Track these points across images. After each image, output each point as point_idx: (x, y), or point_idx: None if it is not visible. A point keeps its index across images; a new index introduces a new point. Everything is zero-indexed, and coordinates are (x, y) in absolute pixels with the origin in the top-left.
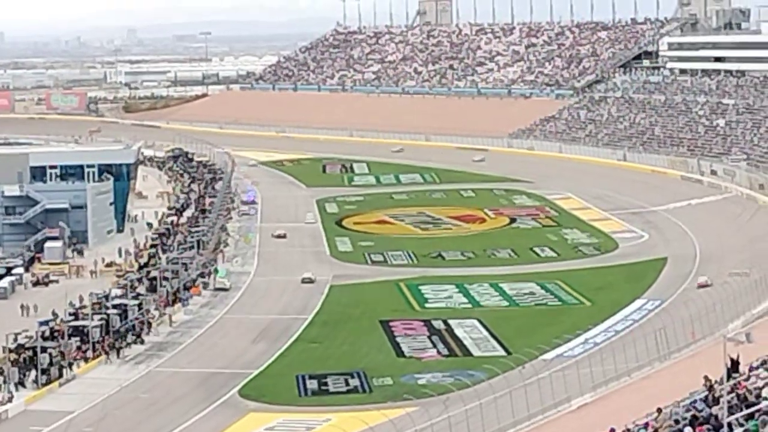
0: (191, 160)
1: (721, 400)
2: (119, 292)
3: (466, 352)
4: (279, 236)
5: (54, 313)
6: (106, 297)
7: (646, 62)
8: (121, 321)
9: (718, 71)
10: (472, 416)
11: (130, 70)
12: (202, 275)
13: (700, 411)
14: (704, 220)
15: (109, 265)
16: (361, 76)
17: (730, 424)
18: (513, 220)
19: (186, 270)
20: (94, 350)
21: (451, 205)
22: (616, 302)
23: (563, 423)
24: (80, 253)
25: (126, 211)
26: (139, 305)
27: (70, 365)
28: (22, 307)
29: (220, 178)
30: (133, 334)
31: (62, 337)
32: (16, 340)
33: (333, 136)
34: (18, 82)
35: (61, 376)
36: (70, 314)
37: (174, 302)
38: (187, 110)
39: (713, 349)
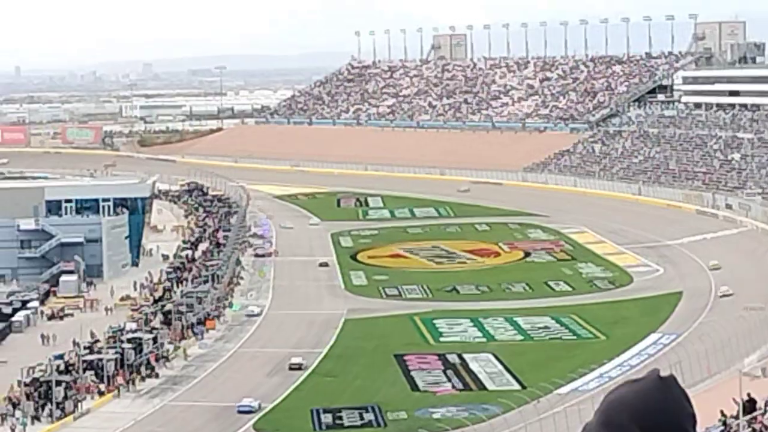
0: (206, 193)
1: None
2: (134, 325)
3: (481, 386)
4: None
5: (75, 342)
6: (121, 330)
7: (660, 96)
8: (135, 354)
9: (733, 105)
10: None
11: (145, 104)
12: (216, 309)
13: None
14: (719, 254)
15: (124, 298)
16: (376, 110)
17: None
18: (527, 254)
19: (200, 303)
20: (108, 384)
21: (466, 239)
22: (631, 336)
23: None
24: (92, 285)
25: (141, 244)
26: (154, 339)
27: (84, 399)
28: (42, 336)
29: (235, 212)
30: (147, 368)
31: (77, 371)
32: (31, 373)
33: (348, 170)
34: (34, 116)
35: (75, 409)
36: (85, 348)
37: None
38: (202, 144)
39: (729, 383)
